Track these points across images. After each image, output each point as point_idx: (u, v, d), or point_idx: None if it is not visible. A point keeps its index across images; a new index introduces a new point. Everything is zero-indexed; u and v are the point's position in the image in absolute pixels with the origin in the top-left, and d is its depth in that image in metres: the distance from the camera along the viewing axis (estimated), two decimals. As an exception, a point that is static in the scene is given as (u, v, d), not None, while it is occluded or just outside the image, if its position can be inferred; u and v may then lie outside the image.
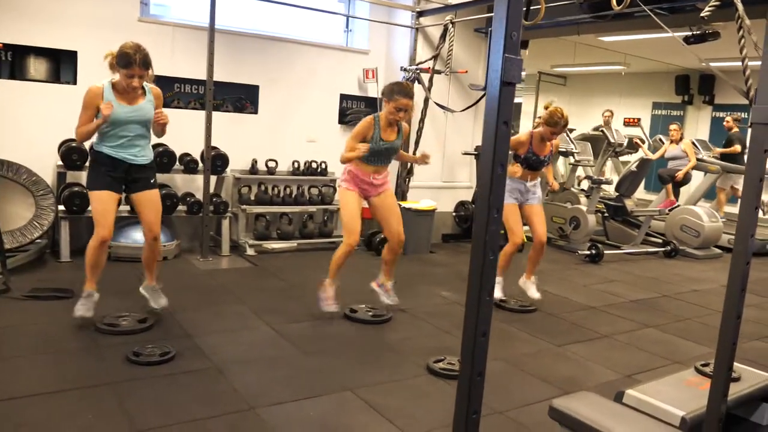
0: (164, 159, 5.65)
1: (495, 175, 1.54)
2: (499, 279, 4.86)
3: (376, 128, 4.12)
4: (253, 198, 6.25)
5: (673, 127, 8.42)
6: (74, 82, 5.54)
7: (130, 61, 3.49)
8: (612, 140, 8.34)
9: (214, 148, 5.94)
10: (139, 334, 3.70)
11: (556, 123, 4.53)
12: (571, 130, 9.08)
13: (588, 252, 6.78)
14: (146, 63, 3.56)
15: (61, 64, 5.54)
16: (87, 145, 4.83)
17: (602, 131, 8.52)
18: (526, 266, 5.06)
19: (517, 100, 12.57)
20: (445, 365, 3.50)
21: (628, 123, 10.99)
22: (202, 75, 5.92)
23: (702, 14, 3.85)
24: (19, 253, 4.91)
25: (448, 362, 3.54)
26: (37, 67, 5.46)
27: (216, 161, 5.87)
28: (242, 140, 6.39)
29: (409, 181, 6.84)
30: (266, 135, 6.53)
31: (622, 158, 9.75)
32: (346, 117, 6.97)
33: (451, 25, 6.15)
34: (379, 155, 4.16)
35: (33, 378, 3.05)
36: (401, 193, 6.83)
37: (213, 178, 6.07)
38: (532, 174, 4.77)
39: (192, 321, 4.02)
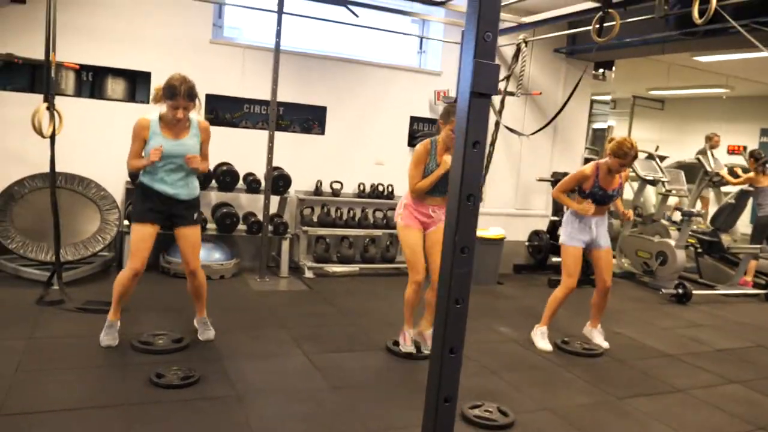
0: (227, 178, 5.70)
1: (463, 207, 1.28)
2: (543, 329, 4.44)
3: (432, 153, 3.86)
4: (315, 219, 6.18)
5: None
6: (148, 102, 5.71)
7: (175, 93, 3.49)
8: (709, 169, 7.60)
9: (277, 168, 5.94)
10: (171, 354, 3.65)
11: (625, 154, 4.08)
12: (664, 158, 8.40)
13: (674, 291, 6.14)
14: (191, 95, 3.55)
15: (137, 85, 5.75)
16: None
17: (698, 159, 7.78)
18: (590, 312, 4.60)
19: (608, 123, 11.90)
20: (480, 412, 3.18)
21: (732, 151, 10.05)
22: (269, 96, 5.96)
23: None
24: (84, 265, 5.07)
25: (485, 409, 3.21)
26: (114, 87, 5.69)
27: (278, 182, 5.85)
28: (308, 161, 6.35)
29: (479, 207, 6.50)
30: (333, 156, 6.46)
31: (724, 189, 8.89)
32: (415, 139, 6.77)
33: (524, 45, 5.82)
34: (436, 184, 3.87)
35: (51, 393, 3.04)
36: (469, 220, 6.51)
37: (275, 199, 6.06)
38: (599, 209, 4.33)
39: (228, 343, 3.93)
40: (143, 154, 3.63)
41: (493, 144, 6.33)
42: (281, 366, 3.67)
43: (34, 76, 5.42)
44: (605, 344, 4.46)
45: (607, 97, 9.37)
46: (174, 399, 3.08)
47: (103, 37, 5.51)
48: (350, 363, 3.82)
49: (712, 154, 8.37)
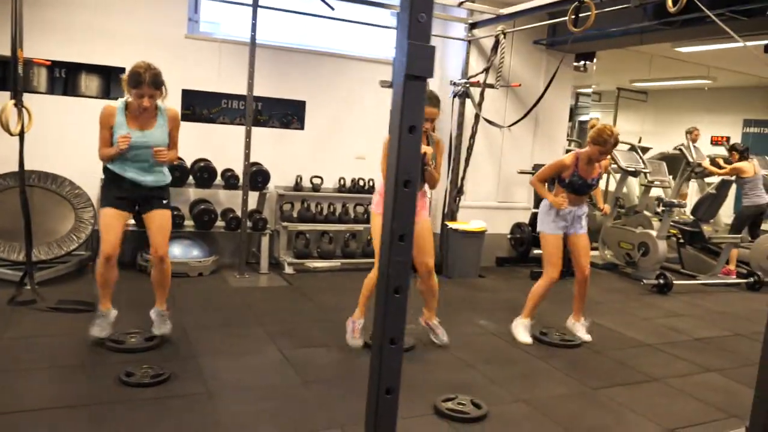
0: (204, 174, 5.64)
1: (399, 193, 1.25)
2: (525, 321, 4.40)
3: None
4: (295, 215, 6.13)
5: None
6: (123, 98, 5.64)
7: (140, 81, 3.42)
8: (691, 159, 7.60)
9: (256, 164, 5.88)
10: (143, 353, 3.60)
11: (605, 141, 4.05)
12: (647, 149, 8.41)
13: (655, 282, 6.15)
14: (156, 82, 3.48)
15: (111, 81, 5.67)
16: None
17: (680, 149, 7.79)
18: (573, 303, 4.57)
19: (593, 114, 11.91)
20: (454, 405, 3.15)
21: (715, 142, 10.07)
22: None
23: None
24: (58, 265, 5.01)
25: (458, 402, 3.19)
26: (88, 83, 5.61)
27: (256, 177, 5.80)
28: (288, 156, 6.30)
29: (459, 200, 6.49)
30: (313, 151, 6.41)
31: (708, 180, 8.91)
32: (395, 133, 6.73)
33: (502, 36, 5.79)
34: None
35: (19, 393, 3.00)
36: (450, 213, 6.49)
37: (254, 195, 6.01)
38: (578, 199, 4.31)
39: (203, 340, 3.89)
40: (113, 142, 3.57)
41: (473, 137, 6.31)
42: (255, 362, 3.63)
43: (5, 74, 5.33)
44: (587, 337, 4.44)
45: (590, 90, 9.43)
46: (144, 397, 3.04)
47: (77, 33, 5.44)
48: (324, 358, 3.79)
49: (693, 147, 8.39)
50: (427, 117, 3.74)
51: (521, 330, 4.38)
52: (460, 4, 5.83)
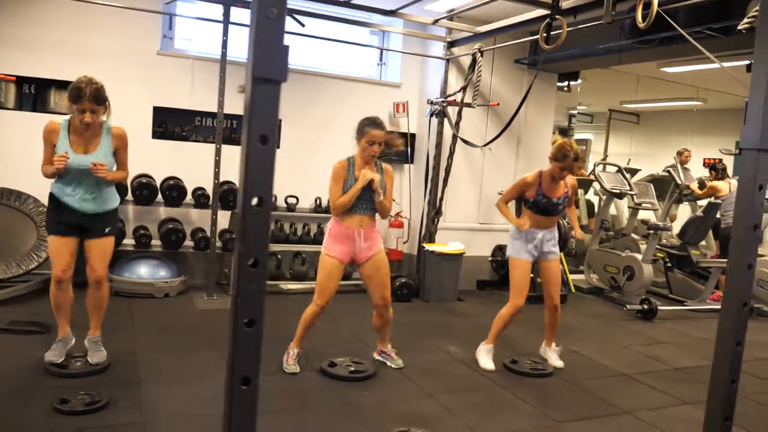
0: (173, 193, 5.51)
1: (249, 212, 1.09)
2: (488, 347, 4.23)
3: (350, 170, 3.73)
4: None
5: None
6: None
7: (80, 95, 3.27)
8: (679, 182, 7.44)
9: (228, 182, 5.76)
10: (86, 378, 3.44)
11: (564, 156, 3.92)
12: (636, 171, 8.26)
13: (639, 307, 5.95)
14: (98, 98, 3.32)
15: (81, 97, 5.56)
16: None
17: (669, 171, 7.63)
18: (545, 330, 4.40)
19: (586, 136, 11.80)
20: (403, 439, 2.97)
21: (708, 164, 9.91)
22: (224, 109, 5.81)
23: (740, 27, 3.21)
24: (19, 284, 4.86)
25: (409, 435, 3.00)
26: (57, 100, 5.51)
27: (227, 196, 5.66)
28: (262, 175, 6.15)
29: (437, 221, 6.33)
30: (288, 170, 6.27)
31: (700, 203, 8.74)
32: (374, 153, 6.60)
33: (479, 55, 5.68)
34: (357, 202, 3.72)
35: (-62, 423, 2.83)
36: (429, 235, 6.33)
37: (226, 214, 5.88)
38: (546, 221, 4.15)
39: (152, 365, 3.72)
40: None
41: (451, 156, 6.17)
42: (201, 390, 3.45)
43: (-29, 89, 5.25)
44: (559, 363, 4.26)
45: (582, 109, 9.31)
46: (72, 427, 2.87)
47: (47, 49, 5.35)
48: (277, 386, 3.61)
49: (683, 169, 8.24)
50: (375, 140, 3.67)
51: (483, 355, 4.21)
52: (435, 21, 5.73)
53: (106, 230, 3.57)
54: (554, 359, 4.29)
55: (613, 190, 6.75)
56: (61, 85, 5.49)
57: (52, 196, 3.48)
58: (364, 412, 3.34)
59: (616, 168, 7.21)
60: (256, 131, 1.09)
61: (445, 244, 6.16)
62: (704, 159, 10.19)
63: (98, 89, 3.34)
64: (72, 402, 3.06)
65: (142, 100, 5.68)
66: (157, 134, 5.80)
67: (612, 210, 8.66)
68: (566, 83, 7.04)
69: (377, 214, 3.84)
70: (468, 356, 4.41)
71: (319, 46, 6.33)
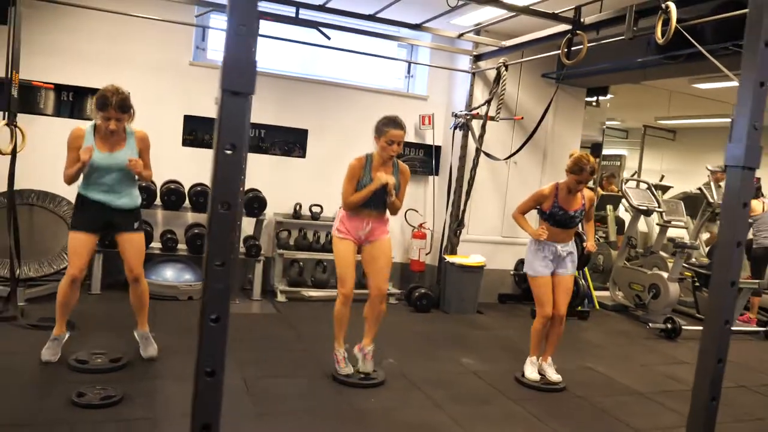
0: (200, 199, 5.68)
1: (217, 216, 1.17)
2: (532, 358, 4.26)
3: (367, 167, 3.79)
4: (292, 243, 6.10)
5: None
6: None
7: (106, 104, 3.47)
8: (711, 200, 7.28)
9: (253, 190, 5.90)
10: (106, 374, 3.57)
11: (581, 170, 3.92)
12: (667, 188, 8.12)
13: (662, 326, 5.84)
14: (123, 106, 3.51)
15: (117, 105, 5.79)
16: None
17: (700, 189, 7.48)
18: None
19: (619, 151, 11.65)
20: (404, 446, 3.00)
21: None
22: (252, 119, 5.95)
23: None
24: (51, 282, 5.07)
25: (410, 443, 3.04)
26: (93, 107, 5.74)
27: (252, 203, 5.80)
28: (287, 184, 6.30)
29: (459, 233, 6.35)
30: (313, 180, 6.40)
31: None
32: (399, 164, 6.68)
33: (503, 69, 5.71)
34: (370, 199, 3.79)
35: (-37, 410, 2.99)
36: (450, 247, 6.35)
37: (251, 221, 6.02)
38: (563, 234, 4.15)
39: (170, 364, 3.84)
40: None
41: (474, 168, 6.19)
42: (214, 390, 3.55)
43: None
44: (556, 377, 4.21)
45: (615, 125, 9.19)
46: (85, 420, 2.99)
47: (84, 59, 5.59)
48: (287, 389, 3.68)
49: (717, 187, 8.06)
50: (394, 140, 3.72)
51: (528, 366, 4.24)
52: (460, 35, 5.79)
53: (135, 225, 3.74)
54: (552, 373, 4.25)
55: (641, 207, 6.66)
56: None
57: (79, 196, 3.67)
58: (369, 419, 3.39)
59: (646, 185, 7.11)
60: (226, 140, 1.16)
61: (466, 256, 6.18)
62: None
63: (124, 99, 3.51)
64: (88, 396, 3.19)
65: (174, 109, 5.88)
66: (187, 142, 5.99)
67: (643, 227, 8.53)
68: (595, 98, 6.99)
69: (387, 211, 3.90)
70: (482, 368, 4.42)
71: (348, 59, 6.45)
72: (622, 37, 4.31)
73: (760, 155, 1.76)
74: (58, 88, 5.58)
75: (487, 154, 5.98)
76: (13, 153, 4.44)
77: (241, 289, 6.05)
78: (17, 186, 5.17)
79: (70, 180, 3.64)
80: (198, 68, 5.97)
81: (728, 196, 1.76)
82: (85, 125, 3.65)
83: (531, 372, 4.20)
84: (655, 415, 3.86)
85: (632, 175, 8.08)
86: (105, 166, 3.59)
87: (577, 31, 4.30)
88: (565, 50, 4.38)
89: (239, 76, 1.15)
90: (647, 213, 6.80)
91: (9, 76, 4.33)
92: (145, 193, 5.46)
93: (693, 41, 3.66)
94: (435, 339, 5.13)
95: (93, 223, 3.65)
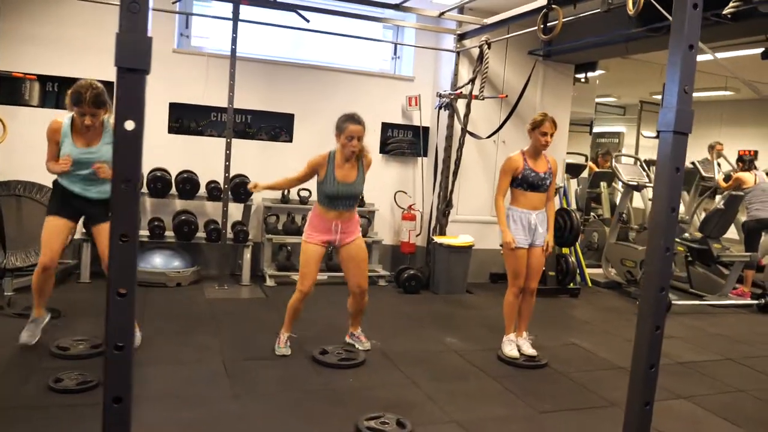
0: (187, 186, 5.71)
1: (120, 192, 1.18)
2: (509, 336, 4.27)
3: (329, 165, 3.80)
4: (280, 228, 6.13)
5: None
6: (111, 111, 5.77)
7: (80, 100, 3.46)
8: (704, 174, 7.23)
9: (240, 175, 5.91)
10: (85, 360, 3.62)
11: (541, 122, 4.04)
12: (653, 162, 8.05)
13: (652, 302, 5.82)
14: (98, 102, 3.50)
15: (101, 94, 5.80)
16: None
17: (693, 164, 7.43)
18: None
19: (618, 129, 11.57)
20: (376, 424, 3.02)
21: (741, 156, 9.56)
22: (238, 104, 5.97)
23: (725, 11, 3.13)
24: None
25: (382, 421, 3.06)
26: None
27: (239, 189, 5.82)
28: (275, 169, 6.22)
29: (448, 214, 6.34)
30: (301, 164, 6.33)
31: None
32: (387, 146, 6.67)
33: (486, 47, 5.66)
34: (336, 199, 3.81)
35: (-60, 397, 3.04)
36: (439, 228, 6.36)
37: (239, 206, 6.04)
38: (537, 199, 4.15)
39: (151, 349, 3.88)
40: (59, 156, 3.62)
41: (460, 148, 6.16)
42: (192, 372, 3.60)
43: (0, 88, 5.53)
44: (532, 351, 4.23)
45: (611, 101, 9.11)
46: (63, 404, 3.05)
47: (68, 48, 5.60)
48: (267, 371, 3.72)
49: (719, 163, 8.01)
50: (354, 135, 3.74)
51: (506, 345, 4.26)
52: (441, 14, 5.74)
53: (110, 214, 3.75)
54: (527, 348, 4.27)
55: (631, 183, 6.62)
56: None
57: (56, 183, 3.71)
58: (344, 397, 3.42)
59: (637, 160, 7.07)
60: (123, 118, 1.17)
61: (455, 236, 6.18)
62: (739, 151, 9.88)
63: (98, 94, 3.51)
64: (65, 381, 3.24)
65: (159, 97, 5.88)
66: (173, 129, 6.00)
67: (639, 204, 8.50)
68: (583, 74, 6.93)
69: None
70: (464, 347, 4.45)
71: (333, 42, 6.43)
72: (597, 11, 4.26)
73: (691, 120, 1.75)
74: (42, 79, 5.60)
75: (471, 133, 5.96)
76: (-6, 144, 4.47)
77: (231, 275, 6.09)
78: (4, 177, 5.26)
79: (52, 173, 3.67)
80: (182, 55, 5.97)
81: (660, 162, 1.76)
82: (63, 117, 3.65)
83: (510, 349, 4.21)
84: (634, 389, 3.86)
85: (618, 152, 8.01)
86: (83, 161, 3.60)
87: (552, 6, 4.25)
88: (542, 26, 4.34)
89: (133, 53, 1.15)
90: (638, 188, 6.76)
91: (-15, 67, 4.35)
92: (131, 181, 5.50)
93: (664, 12, 3.61)
94: (420, 319, 5.15)
95: (69, 209, 3.68)
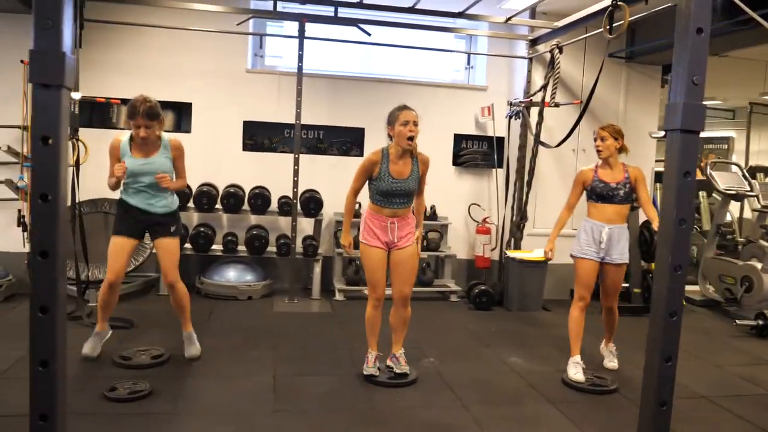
0: (258, 201, 5.84)
1: (39, 208, 1.18)
2: (574, 359, 4.02)
3: (383, 162, 3.70)
4: (351, 241, 6.12)
5: None
6: (190, 131, 6.06)
7: (135, 113, 3.66)
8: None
9: (311, 190, 5.99)
10: (144, 370, 3.76)
11: (603, 128, 4.00)
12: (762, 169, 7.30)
13: (753, 322, 5.25)
14: (151, 114, 3.68)
15: (182, 115, 6.10)
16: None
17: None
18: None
19: (727, 133, 10.63)
20: (410, 446, 2.90)
21: None
22: (310, 120, 6.09)
23: None
24: (123, 284, 5.43)
25: (417, 443, 2.93)
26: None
27: (309, 204, 5.89)
28: (346, 182, 6.18)
29: (523, 227, 6.07)
30: (372, 178, 6.37)
31: None
32: (460, 158, 6.51)
33: (557, 51, 5.38)
34: (390, 196, 3.69)
35: (5, 400, 3.24)
36: (513, 241, 6.09)
37: (310, 221, 6.11)
38: (611, 212, 3.92)
39: (207, 362, 3.97)
40: None
41: (534, 158, 5.89)
42: (240, 386, 3.63)
43: (92, 113, 5.96)
44: (612, 364, 4.12)
45: (716, 104, 8.42)
46: (109, 412, 3.16)
47: (149, 73, 5.94)
48: (315, 387, 3.68)
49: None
50: (408, 119, 3.61)
51: (571, 367, 4.00)
52: (507, 20, 5.53)
53: (172, 229, 3.91)
54: (608, 360, 4.16)
55: (729, 192, 6.03)
56: (165, 105, 6.02)
57: (120, 201, 3.89)
58: (385, 417, 3.30)
59: (737, 167, 6.44)
60: (39, 133, 1.16)
61: (530, 250, 5.90)
62: None
63: (151, 107, 3.69)
64: (119, 390, 3.37)
65: (233, 116, 6.11)
66: (247, 147, 6.19)
67: (747, 214, 7.76)
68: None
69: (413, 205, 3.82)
70: (528, 368, 4.20)
71: (403, 55, 6.39)
72: (669, 5, 3.92)
73: (703, 116, 1.53)
74: (126, 102, 5.95)
75: (541, 142, 5.68)
76: (77, 164, 4.80)
77: (304, 289, 6.16)
78: (93, 195, 5.62)
79: (112, 188, 3.87)
80: (255, 75, 6.16)
81: (667, 166, 1.54)
82: (123, 135, 3.86)
83: (575, 372, 3.93)
84: (713, 422, 3.46)
85: (718, 158, 7.33)
86: (141, 172, 3.78)
87: (618, 3, 3.95)
88: (607, 26, 4.05)
89: (47, 69, 1.14)
90: (736, 197, 6.14)
91: (68, 94, 4.69)
92: (205, 197, 5.73)
93: (741, 5, 3.24)
94: (486, 337, 4.94)
95: (132, 227, 3.85)
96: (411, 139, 3.65)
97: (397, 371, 3.82)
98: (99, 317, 3.94)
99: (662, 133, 6.76)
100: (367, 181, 3.81)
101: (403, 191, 3.68)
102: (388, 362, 3.90)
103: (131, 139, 3.82)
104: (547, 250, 4.19)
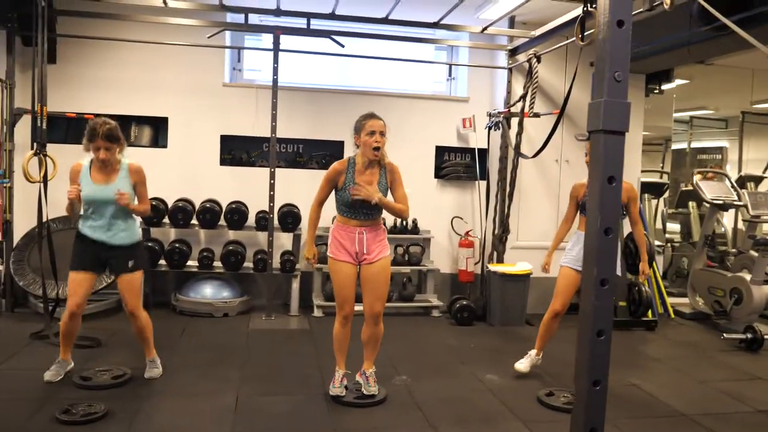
0: (235, 216, 5.74)
1: None
2: (531, 352, 4.25)
3: (349, 172, 3.58)
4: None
5: None
6: (166, 146, 5.98)
7: (94, 135, 3.56)
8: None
9: (289, 205, 5.89)
10: (103, 390, 3.64)
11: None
12: (762, 178, 7.18)
13: (741, 336, 5.10)
14: (111, 136, 3.58)
15: (159, 130, 6.02)
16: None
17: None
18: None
19: (719, 144, 10.53)
20: (367, 470, 2.76)
21: None
22: (288, 134, 6.01)
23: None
24: (92, 302, 5.30)
25: (375, 467, 2.79)
26: (138, 133, 6.03)
27: (286, 219, 5.79)
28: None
29: (505, 240, 5.95)
30: (352, 191, 6.27)
31: None
32: (442, 170, 6.41)
33: (535, 60, 5.30)
34: (356, 207, 3.57)
35: (-48, 424, 3.13)
36: (496, 255, 5.97)
37: (289, 236, 6.01)
38: None
39: (171, 381, 3.85)
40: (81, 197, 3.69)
41: (514, 170, 5.79)
42: (202, 407, 3.50)
43: (68, 129, 5.89)
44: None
45: (707, 114, 8.33)
46: (60, 436, 3.04)
47: (126, 88, 5.87)
48: (277, 407, 3.55)
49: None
50: (374, 129, 3.49)
51: (524, 359, 4.24)
52: (483, 30, 5.45)
53: (130, 264, 3.75)
54: (519, 362, 4.30)
55: (716, 201, 5.91)
56: (141, 120, 6.01)
57: (77, 233, 3.76)
58: (347, 440, 3.17)
59: (726, 176, 6.32)
60: None
61: (513, 264, 5.77)
62: None
63: (110, 129, 3.59)
64: (72, 412, 3.24)
65: (211, 130, 6.03)
66: (225, 161, 6.11)
67: (739, 225, 7.63)
68: (656, 85, 6.32)
69: (390, 214, 3.64)
70: (503, 385, 4.07)
71: (384, 66, 6.31)
72: (641, 10, 3.83)
73: (627, 114, 1.42)
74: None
75: (519, 153, 5.57)
76: (44, 180, 4.70)
77: (283, 305, 6.04)
78: (63, 212, 5.52)
79: (68, 213, 3.74)
80: (232, 88, 6.08)
81: (591, 171, 1.43)
82: (84, 159, 3.75)
83: (520, 363, 4.26)
84: (692, 441, 3.32)
85: (705, 167, 7.22)
86: (101, 199, 3.65)
87: (589, 9, 3.86)
88: (579, 33, 3.94)
89: None
90: (724, 207, 6.02)
91: (34, 108, 4.61)
92: (181, 213, 5.63)
93: (710, 8, 3.14)
94: (464, 353, 4.80)
95: (90, 262, 3.71)
96: (377, 149, 3.52)
97: (365, 392, 3.68)
98: (61, 346, 3.83)
99: (586, 135, 6.68)
100: (333, 192, 3.69)
101: (368, 205, 3.55)
102: (358, 377, 3.76)
103: (91, 163, 3.72)
104: (545, 264, 4.27)
